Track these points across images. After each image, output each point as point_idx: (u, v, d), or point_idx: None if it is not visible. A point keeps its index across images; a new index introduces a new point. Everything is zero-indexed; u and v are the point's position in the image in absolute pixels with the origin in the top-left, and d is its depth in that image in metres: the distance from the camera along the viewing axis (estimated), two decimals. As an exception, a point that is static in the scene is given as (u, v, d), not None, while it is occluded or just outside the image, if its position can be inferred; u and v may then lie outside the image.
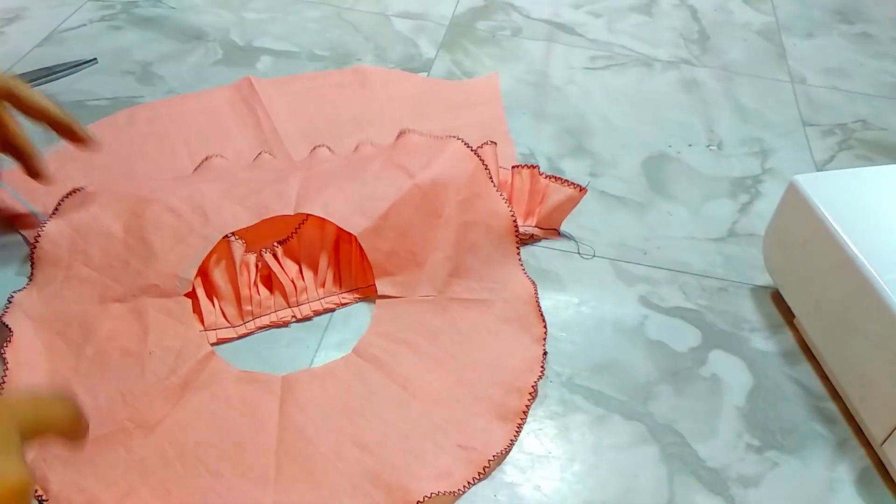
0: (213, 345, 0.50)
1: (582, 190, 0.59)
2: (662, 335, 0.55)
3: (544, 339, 0.52)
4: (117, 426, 0.43)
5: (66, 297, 0.48)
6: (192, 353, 0.46)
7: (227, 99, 0.71)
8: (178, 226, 0.51)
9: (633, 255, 0.61)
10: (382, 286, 0.52)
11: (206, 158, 0.61)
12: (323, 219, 0.52)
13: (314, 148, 0.63)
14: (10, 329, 0.47)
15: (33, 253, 0.50)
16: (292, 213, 0.52)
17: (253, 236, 0.52)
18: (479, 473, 0.44)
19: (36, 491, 0.41)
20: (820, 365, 0.54)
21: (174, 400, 0.45)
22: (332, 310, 0.54)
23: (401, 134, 0.60)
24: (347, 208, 0.52)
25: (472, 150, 0.57)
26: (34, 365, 0.46)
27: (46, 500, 0.40)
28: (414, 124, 0.70)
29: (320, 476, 0.42)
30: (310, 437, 0.43)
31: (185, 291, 0.49)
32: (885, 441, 0.47)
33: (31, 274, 0.50)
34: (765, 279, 0.59)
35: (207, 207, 0.51)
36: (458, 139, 0.57)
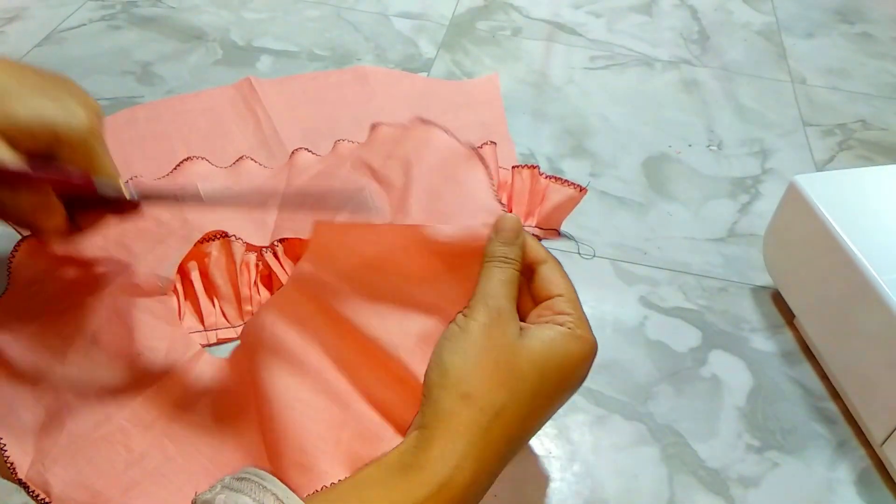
0: (213, 344, 0.50)
1: (582, 190, 0.59)
2: (662, 335, 0.55)
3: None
4: (114, 426, 0.43)
5: (42, 303, 0.48)
6: (181, 352, 0.46)
7: (227, 99, 0.71)
8: (158, 231, 0.51)
9: (634, 255, 0.61)
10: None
11: (185, 160, 0.61)
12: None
13: (293, 152, 0.62)
14: None
15: (10, 263, 0.50)
16: (268, 245, 0.52)
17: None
18: None
19: (38, 495, 0.41)
20: (820, 365, 0.54)
21: (169, 398, 0.45)
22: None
23: (373, 128, 0.58)
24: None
25: (452, 138, 0.49)
26: (17, 371, 0.45)
27: (50, 502, 0.40)
28: (414, 124, 0.70)
29: (296, 436, 0.40)
30: (283, 401, 0.42)
31: (167, 290, 0.49)
32: (885, 441, 0.47)
33: (8, 283, 0.50)
34: (765, 279, 0.59)
35: (188, 214, 0.52)
36: (438, 128, 0.49)
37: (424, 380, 0.35)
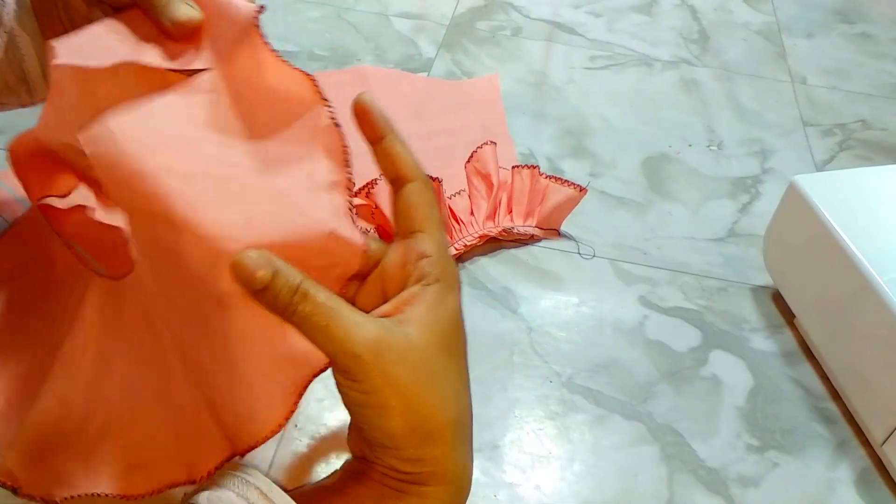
0: None
1: (582, 190, 0.60)
2: (662, 335, 0.55)
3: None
4: (46, 389, 0.41)
5: (13, 299, 0.47)
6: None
7: (226, 99, 0.71)
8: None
9: (633, 255, 0.61)
10: None
11: None
12: None
13: None
14: None
15: None
16: None
17: None
18: None
19: (7, 484, 0.40)
20: (820, 365, 0.54)
21: (90, 336, 0.42)
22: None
23: None
24: None
25: None
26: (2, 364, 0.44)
27: (19, 488, 0.39)
28: (414, 125, 0.71)
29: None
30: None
31: None
32: (885, 441, 0.47)
33: None
34: (764, 279, 0.59)
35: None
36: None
37: (370, 452, 0.31)
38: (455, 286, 0.32)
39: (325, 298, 0.29)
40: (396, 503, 0.31)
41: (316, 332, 0.29)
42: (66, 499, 0.38)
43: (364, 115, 0.33)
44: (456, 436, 0.31)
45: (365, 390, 0.29)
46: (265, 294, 0.29)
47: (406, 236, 0.33)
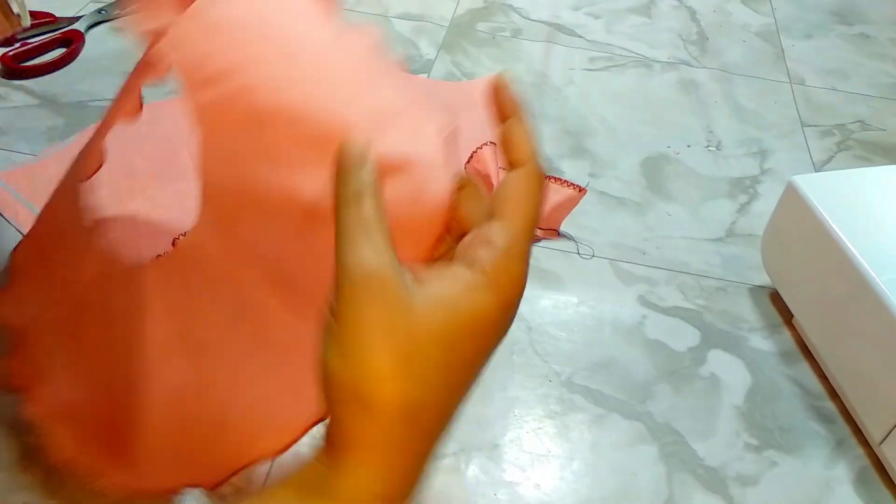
0: None
1: (581, 190, 0.60)
2: (661, 335, 0.55)
3: None
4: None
5: (39, 301, 0.47)
6: None
7: (227, 100, 0.71)
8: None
9: (632, 255, 0.61)
10: None
11: None
12: None
13: None
14: None
15: (11, 260, 0.49)
16: None
17: None
18: None
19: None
20: (818, 364, 0.54)
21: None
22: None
23: None
24: None
25: None
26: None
27: None
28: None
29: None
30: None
31: None
32: (883, 440, 0.47)
33: (9, 280, 0.49)
34: (763, 279, 0.60)
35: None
36: None
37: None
38: (502, 292, 0.28)
39: (371, 209, 0.27)
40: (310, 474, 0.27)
41: (341, 234, 0.27)
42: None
43: (496, 94, 0.31)
44: (403, 432, 0.26)
45: (340, 319, 0.26)
46: (337, 174, 0.27)
47: (490, 218, 0.29)
